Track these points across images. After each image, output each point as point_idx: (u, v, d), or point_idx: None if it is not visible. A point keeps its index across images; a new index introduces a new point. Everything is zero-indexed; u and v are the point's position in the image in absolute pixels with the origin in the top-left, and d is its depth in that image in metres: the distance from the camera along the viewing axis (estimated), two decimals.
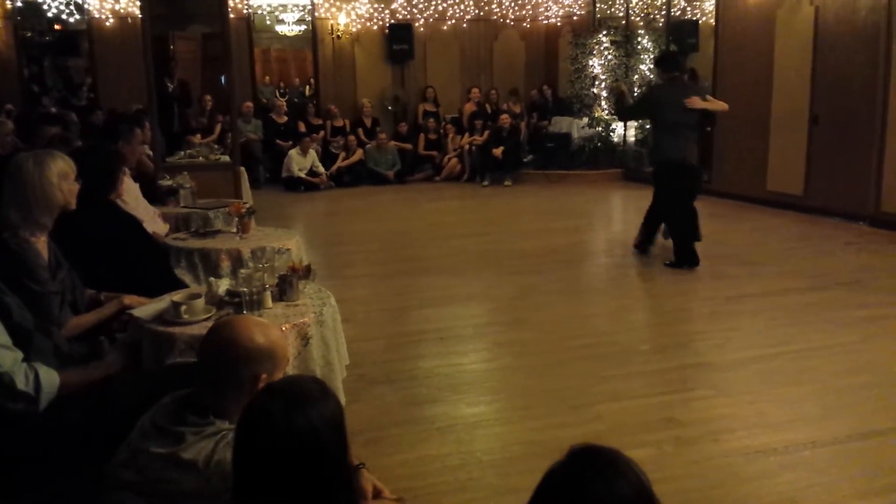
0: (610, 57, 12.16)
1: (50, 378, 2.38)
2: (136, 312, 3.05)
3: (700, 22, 12.74)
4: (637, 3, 12.52)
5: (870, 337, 4.83)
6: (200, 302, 3.05)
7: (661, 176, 6.98)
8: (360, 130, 12.71)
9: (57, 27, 13.03)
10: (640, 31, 12.20)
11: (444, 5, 13.37)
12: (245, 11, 12.51)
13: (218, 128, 11.57)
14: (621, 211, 10.53)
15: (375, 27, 13.17)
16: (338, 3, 12.88)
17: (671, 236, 7.05)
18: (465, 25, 13.60)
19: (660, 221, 7.20)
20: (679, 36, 12.51)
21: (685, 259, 6.68)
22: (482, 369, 4.52)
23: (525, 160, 12.52)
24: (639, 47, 12.10)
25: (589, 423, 3.70)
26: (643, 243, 7.26)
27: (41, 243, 2.93)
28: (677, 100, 6.63)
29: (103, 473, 1.92)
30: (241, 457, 1.60)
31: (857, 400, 3.91)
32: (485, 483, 3.18)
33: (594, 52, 12.21)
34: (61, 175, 2.95)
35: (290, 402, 1.58)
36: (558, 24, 13.76)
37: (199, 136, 10.71)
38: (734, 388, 4.10)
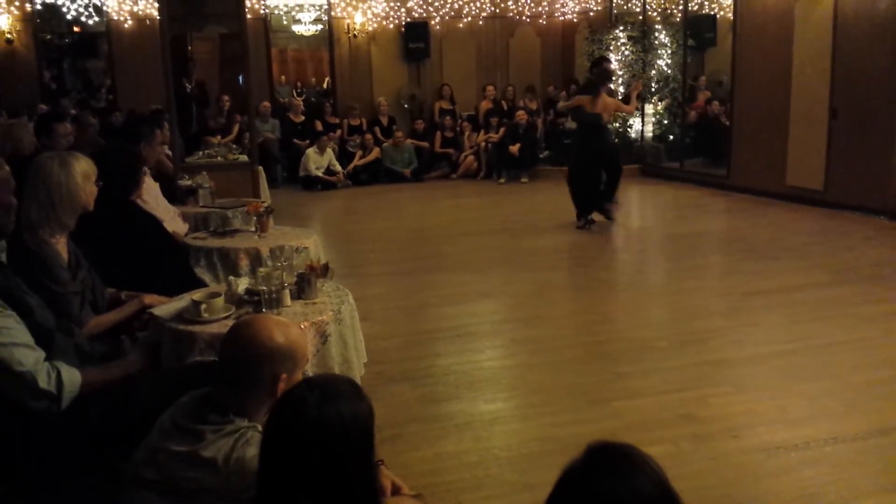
0: (627, 52, 12.10)
1: (72, 377, 2.41)
2: (157, 311, 3.08)
3: (718, 16, 12.67)
4: None
5: (891, 332, 4.78)
6: (220, 300, 3.08)
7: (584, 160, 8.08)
8: (377, 129, 12.74)
9: (76, 29, 13.14)
10: (657, 27, 12.13)
11: (460, 3, 13.37)
12: (262, 12, 12.57)
13: (236, 128, 11.63)
14: (638, 207, 10.49)
15: (391, 26, 13.18)
16: (354, 3, 12.91)
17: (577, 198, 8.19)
18: (480, 23, 13.58)
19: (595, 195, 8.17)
20: (697, 30, 12.44)
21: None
22: (499, 366, 4.53)
23: (541, 157, 12.50)
24: (656, 42, 12.03)
25: (606, 420, 3.69)
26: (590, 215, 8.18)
27: (61, 244, 2.96)
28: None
29: (123, 472, 1.94)
30: (269, 442, 1.64)
31: (878, 395, 3.87)
32: (502, 479, 3.19)
33: (611, 47, 12.14)
34: (85, 176, 2.99)
35: (326, 394, 1.61)
36: (575, 19, 13.71)
37: (218, 137, 10.77)
38: (753, 384, 4.08)
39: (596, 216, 8.25)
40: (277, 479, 1.60)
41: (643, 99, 12.16)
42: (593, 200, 8.20)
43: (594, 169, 8.10)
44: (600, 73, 8.15)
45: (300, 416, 1.59)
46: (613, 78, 8.51)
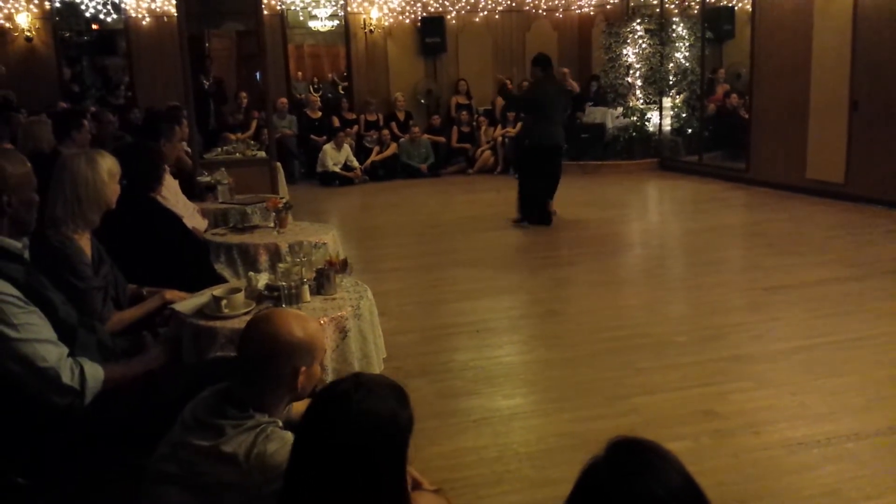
0: (644, 45, 12.02)
1: (95, 372, 2.43)
2: (178, 307, 3.11)
3: (736, 8, 12.56)
4: None
5: None
6: (240, 296, 3.09)
7: (534, 156, 8.22)
8: (394, 124, 12.75)
9: (95, 27, 13.24)
10: (674, 19, 12.05)
11: None
12: (279, 8, 12.60)
13: (254, 124, 11.69)
14: (657, 201, 10.44)
15: (407, 21, 13.17)
16: None
17: (523, 199, 8.34)
18: (497, 17, 13.54)
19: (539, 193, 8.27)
20: (715, 22, 12.35)
21: (538, 216, 8.16)
22: (517, 362, 4.52)
23: None
24: (674, 35, 11.95)
25: (625, 416, 3.68)
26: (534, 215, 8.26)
27: (84, 240, 2.99)
28: (555, 94, 8.18)
29: (146, 466, 1.95)
30: (307, 432, 1.64)
31: None
32: (521, 475, 3.19)
33: (628, 40, 12.07)
34: (111, 174, 3.03)
35: (371, 394, 1.62)
36: (592, 13, 13.64)
37: (239, 133, 10.82)
38: (774, 380, 4.04)
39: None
40: (308, 472, 1.61)
41: (662, 92, 12.10)
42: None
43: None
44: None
45: (341, 410, 1.60)
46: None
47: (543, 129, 8.14)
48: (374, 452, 1.58)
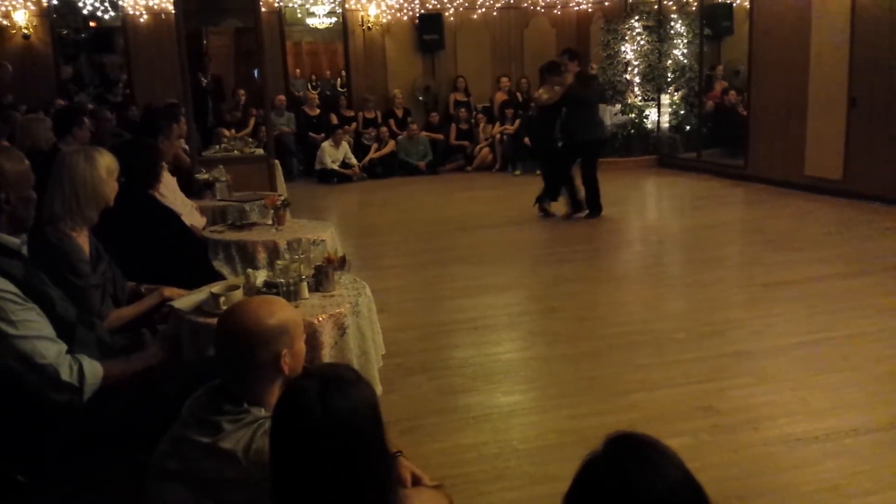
0: (643, 42, 12.02)
1: (93, 369, 2.42)
2: (176, 304, 3.10)
3: (734, 5, 12.55)
4: None
5: None
6: (239, 293, 3.08)
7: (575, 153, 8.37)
8: (392, 121, 12.74)
9: (92, 24, 13.22)
10: (673, 16, 12.04)
11: None
12: (276, 5, 12.58)
13: (252, 121, 11.67)
14: (655, 198, 10.45)
15: (405, 17, 13.16)
16: None
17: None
18: (495, 14, 13.53)
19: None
20: (713, 19, 12.34)
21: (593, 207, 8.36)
22: (516, 358, 4.52)
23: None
24: (672, 32, 11.94)
25: (624, 412, 3.68)
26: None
27: (82, 237, 2.98)
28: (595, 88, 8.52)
29: (147, 463, 1.95)
30: (277, 441, 1.62)
31: None
32: (521, 471, 3.19)
33: (626, 37, 12.07)
34: (109, 171, 3.03)
35: (326, 383, 1.59)
36: (590, 10, 13.63)
37: (233, 130, 10.81)
38: (774, 376, 4.04)
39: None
40: (288, 472, 1.59)
41: (660, 89, 12.10)
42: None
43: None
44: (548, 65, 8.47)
45: (302, 408, 1.57)
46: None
47: (587, 125, 8.27)
48: (350, 441, 1.56)
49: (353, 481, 1.56)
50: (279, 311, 1.96)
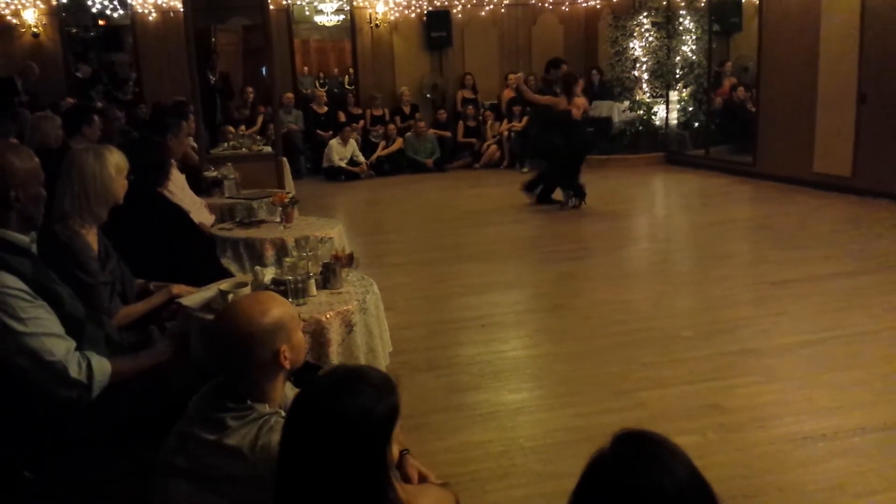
0: (651, 39, 11.98)
1: (102, 366, 2.44)
2: (185, 301, 3.12)
3: (743, 1, 12.49)
4: None
5: None
6: (247, 290, 3.09)
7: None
8: (398, 119, 12.74)
9: (101, 23, 13.26)
10: (681, 12, 11.99)
11: None
12: (284, 3, 12.60)
13: (260, 119, 11.70)
14: (663, 195, 10.42)
15: (413, 15, 13.16)
16: None
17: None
18: (503, 10, 13.51)
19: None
20: (722, 15, 12.30)
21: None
22: (523, 356, 4.52)
23: None
24: (680, 28, 11.90)
25: (631, 410, 3.68)
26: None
27: (91, 235, 3.00)
28: None
29: (154, 460, 1.96)
30: (286, 431, 1.64)
31: None
32: (527, 469, 3.19)
33: (635, 34, 12.03)
34: (118, 169, 3.05)
35: (341, 382, 1.61)
36: (598, 6, 13.59)
37: (242, 127, 10.84)
38: (781, 374, 4.04)
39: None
40: (291, 464, 1.61)
41: (668, 86, 12.06)
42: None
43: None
44: (568, 76, 8.72)
45: (311, 403, 1.60)
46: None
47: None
48: (347, 450, 1.56)
49: (343, 484, 1.56)
50: (272, 309, 1.95)
